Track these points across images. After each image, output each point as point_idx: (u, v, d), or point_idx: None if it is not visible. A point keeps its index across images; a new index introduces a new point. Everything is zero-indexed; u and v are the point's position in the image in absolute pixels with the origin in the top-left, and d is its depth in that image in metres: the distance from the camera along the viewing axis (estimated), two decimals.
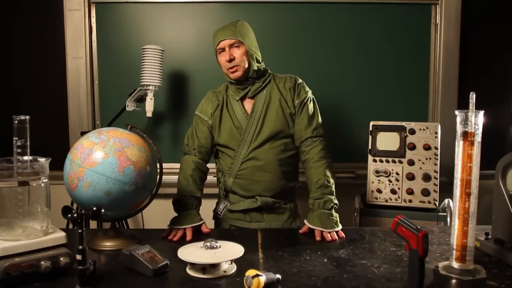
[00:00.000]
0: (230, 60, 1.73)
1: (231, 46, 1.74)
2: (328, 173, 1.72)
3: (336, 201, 1.67)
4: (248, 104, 1.82)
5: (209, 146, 1.84)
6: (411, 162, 2.21)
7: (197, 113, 1.87)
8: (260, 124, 1.77)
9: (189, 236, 1.53)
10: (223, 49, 1.75)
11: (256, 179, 1.78)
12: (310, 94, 1.84)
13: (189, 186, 1.72)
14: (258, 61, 1.79)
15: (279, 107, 1.78)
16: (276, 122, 1.77)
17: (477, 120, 1.18)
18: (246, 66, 1.75)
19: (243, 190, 1.80)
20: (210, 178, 1.89)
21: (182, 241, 1.48)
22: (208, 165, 1.86)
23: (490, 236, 1.39)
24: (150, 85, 2.39)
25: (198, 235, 1.55)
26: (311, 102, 1.83)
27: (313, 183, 1.71)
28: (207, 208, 1.91)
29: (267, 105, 1.78)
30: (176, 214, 1.64)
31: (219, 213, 1.89)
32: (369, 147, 2.27)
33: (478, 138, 1.18)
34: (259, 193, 1.78)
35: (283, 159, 1.79)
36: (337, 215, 1.63)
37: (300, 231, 1.61)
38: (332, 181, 1.71)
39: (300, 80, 1.85)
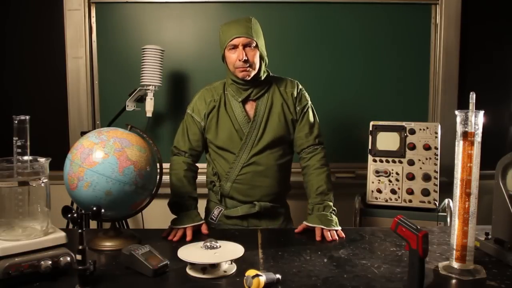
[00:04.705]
0: (245, 61, 1.63)
1: (245, 45, 1.64)
2: (328, 181, 1.74)
3: (334, 208, 1.69)
4: (249, 106, 1.75)
5: (200, 148, 1.79)
6: (411, 162, 2.20)
7: (190, 112, 1.78)
8: (262, 129, 1.73)
9: (189, 236, 1.53)
10: (235, 46, 1.65)
11: (256, 184, 1.75)
12: (309, 102, 1.82)
13: (184, 188, 1.70)
14: (265, 64, 1.74)
15: (281, 112, 1.74)
16: (278, 128, 1.74)
17: (477, 120, 1.18)
18: (257, 69, 1.69)
19: (241, 195, 1.76)
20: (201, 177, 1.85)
21: (182, 241, 1.48)
22: (198, 165, 1.81)
23: (490, 236, 1.39)
24: (150, 85, 2.39)
25: (198, 235, 1.55)
26: (311, 110, 1.82)
27: (314, 189, 1.72)
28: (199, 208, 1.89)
29: (269, 110, 1.74)
30: (174, 216, 1.63)
31: (214, 219, 1.82)
32: (369, 147, 2.27)
33: (478, 138, 1.18)
34: (258, 198, 1.76)
35: (281, 164, 1.78)
36: (336, 218, 1.63)
37: (296, 230, 1.62)
38: (331, 188, 1.73)
39: (300, 86, 1.82)
